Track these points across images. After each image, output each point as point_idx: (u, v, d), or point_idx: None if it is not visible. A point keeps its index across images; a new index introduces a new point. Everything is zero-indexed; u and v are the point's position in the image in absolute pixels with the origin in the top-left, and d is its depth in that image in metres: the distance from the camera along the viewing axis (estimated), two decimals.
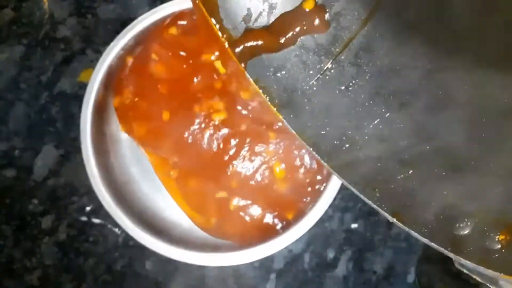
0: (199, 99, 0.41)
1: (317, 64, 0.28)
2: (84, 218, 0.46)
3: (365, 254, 0.45)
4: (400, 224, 0.26)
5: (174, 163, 0.41)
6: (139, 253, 0.45)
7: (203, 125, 0.41)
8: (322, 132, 0.27)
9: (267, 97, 0.27)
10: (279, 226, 0.41)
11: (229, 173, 0.41)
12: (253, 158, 0.41)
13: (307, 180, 0.41)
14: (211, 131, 0.41)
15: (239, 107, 0.41)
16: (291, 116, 0.27)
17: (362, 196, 0.26)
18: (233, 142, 0.41)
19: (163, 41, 0.42)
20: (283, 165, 0.41)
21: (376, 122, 0.27)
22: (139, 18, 0.41)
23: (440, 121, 0.27)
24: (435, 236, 0.25)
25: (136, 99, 0.41)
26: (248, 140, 0.41)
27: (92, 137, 0.40)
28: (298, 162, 0.41)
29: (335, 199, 0.40)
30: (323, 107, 0.28)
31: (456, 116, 0.26)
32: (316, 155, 0.27)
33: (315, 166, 0.41)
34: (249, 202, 0.41)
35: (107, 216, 0.42)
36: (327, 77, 0.28)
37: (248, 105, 0.41)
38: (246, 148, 0.41)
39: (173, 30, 0.42)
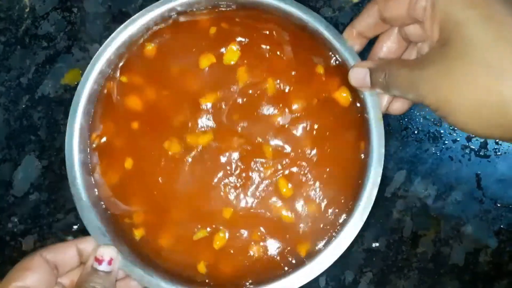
0: (177, 133, 0.36)
1: None
2: (70, 238, 0.42)
3: (388, 276, 0.42)
4: None
5: (142, 220, 0.36)
6: None
7: (179, 155, 0.35)
8: None
9: None
10: (287, 264, 0.35)
11: (218, 200, 0.35)
12: (250, 174, 0.35)
13: (324, 202, 0.35)
14: (194, 153, 0.35)
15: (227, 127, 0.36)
16: None
17: None
18: (222, 159, 0.35)
19: (138, 63, 0.37)
20: (290, 184, 0.34)
21: None
22: (143, 10, 0.36)
23: None
24: None
25: (105, 138, 0.37)
26: (238, 155, 0.35)
27: (79, 148, 0.36)
28: (310, 180, 0.35)
29: None
30: None
31: None
32: None
33: (333, 186, 0.35)
34: (243, 234, 0.35)
35: None
36: None
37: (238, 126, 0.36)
38: (239, 165, 0.35)
39: (150, 48, 0.37)
